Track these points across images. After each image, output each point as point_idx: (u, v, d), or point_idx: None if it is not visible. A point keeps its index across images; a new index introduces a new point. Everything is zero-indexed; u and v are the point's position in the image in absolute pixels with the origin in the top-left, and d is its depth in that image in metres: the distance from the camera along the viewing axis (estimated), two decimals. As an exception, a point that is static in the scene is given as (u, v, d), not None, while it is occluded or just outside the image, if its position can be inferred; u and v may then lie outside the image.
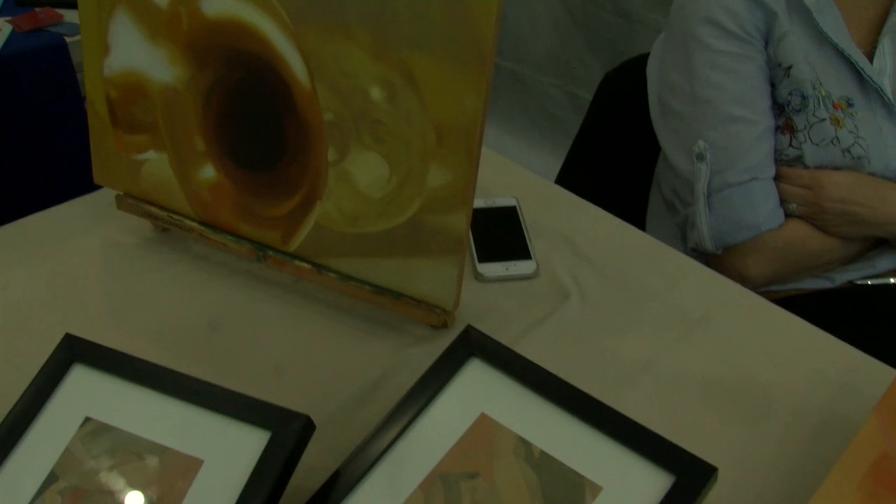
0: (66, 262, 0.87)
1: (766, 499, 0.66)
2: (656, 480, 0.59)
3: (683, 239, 1.09)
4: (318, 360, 0.77)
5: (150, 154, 0.83)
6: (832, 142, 0.98)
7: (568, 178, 1.23)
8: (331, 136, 0.74)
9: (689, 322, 0.81)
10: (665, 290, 0.85)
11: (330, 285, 0.79)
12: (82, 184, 0.93)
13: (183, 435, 0.64)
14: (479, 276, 0.85)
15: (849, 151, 0.98)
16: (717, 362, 0.77)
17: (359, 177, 0.74)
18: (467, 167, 0.69)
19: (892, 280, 1.05)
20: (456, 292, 0.74)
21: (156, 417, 0.64)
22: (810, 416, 0.72)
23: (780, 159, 1.02)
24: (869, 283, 1.05)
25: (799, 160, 1.01)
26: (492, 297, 0.84)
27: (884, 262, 1.04)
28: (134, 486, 0.62)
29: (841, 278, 1.05)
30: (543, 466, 0.62)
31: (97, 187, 0.90)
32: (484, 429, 0.65)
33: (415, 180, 0.72)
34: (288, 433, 0.61)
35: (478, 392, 0.67)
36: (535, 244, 0.89)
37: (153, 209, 0.86)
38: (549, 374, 0.65)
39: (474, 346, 0.69)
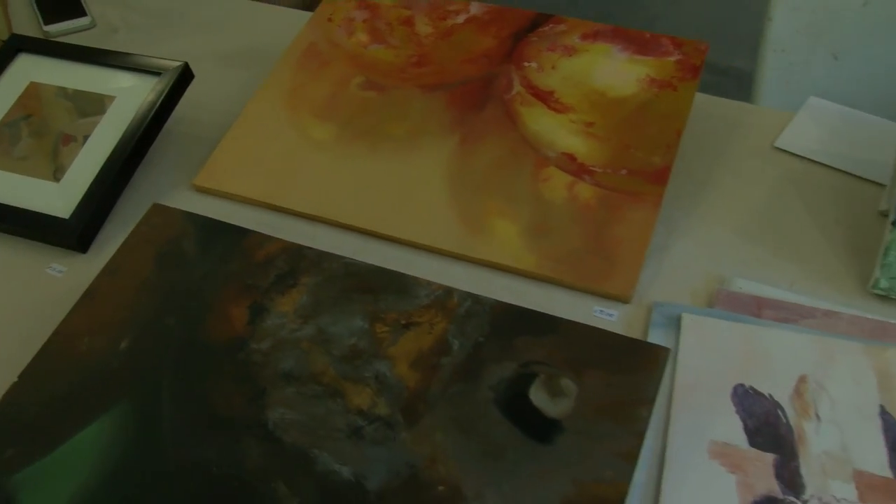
0: None
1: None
2: (147, 82, 0.90)
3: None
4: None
5: None
6: None
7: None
8: None
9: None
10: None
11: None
12: None
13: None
14: (46, 34, 1.11)
15: None
16: None
17: None
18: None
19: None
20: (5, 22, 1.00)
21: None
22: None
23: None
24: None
25: None
26: (60, 45, 1.10)
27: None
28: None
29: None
30: (76, 97, 0.90)
31: None
32: (33, 90, 0.92)
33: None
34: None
35: (27, 72, 0.94)
36: (91, 5, 1.15)
37: None
38: (78, 46, 0.94)
39: (20, 45, 0.96)
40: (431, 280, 0.68)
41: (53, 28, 1.12)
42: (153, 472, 0.60)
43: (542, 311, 0.67)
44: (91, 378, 0.66)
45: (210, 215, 0.79)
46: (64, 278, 0.81)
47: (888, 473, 0.61)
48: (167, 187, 0.89)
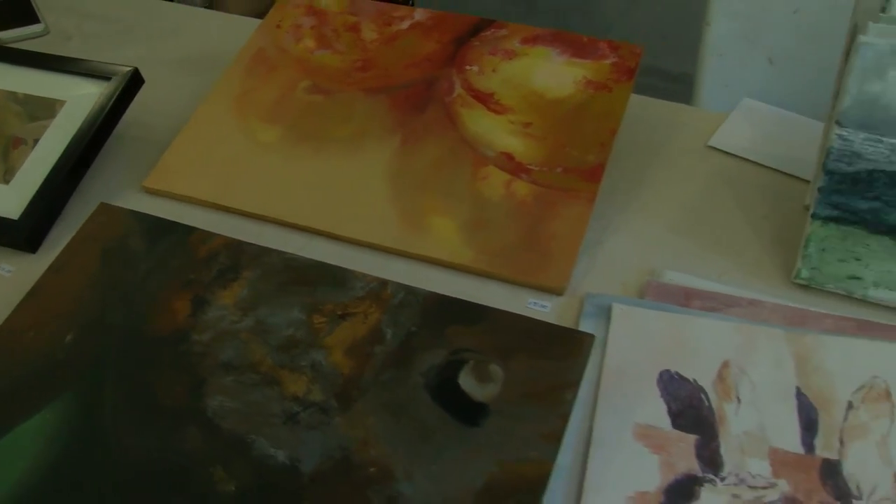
0: None
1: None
2: (96, 87, 0.92)
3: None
4: None
5: None
6: None
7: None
8: None
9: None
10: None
11: None
12: None
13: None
14: None
15: None
16: None
17: None
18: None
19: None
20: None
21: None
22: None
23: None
24: None
25: None
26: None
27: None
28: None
29: None
30: (26, 101, 0.92)
31: None
32: (-16, 95, 0.94)
33: None
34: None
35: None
36: (45, 13, 1.17)
37: None
38: (29, 52, 0.95)
39: (-29, 53, 0.97)
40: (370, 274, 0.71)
41: (6, 35, 1.13)
42: (96, 461, 0.62)
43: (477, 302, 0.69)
44: (36, 371, 0.67)
45: (160, 216, 0.81)
46: (12, 278, 0.82)
47: (800, 450, 0.64)
48: (118, 189, 0.91)
